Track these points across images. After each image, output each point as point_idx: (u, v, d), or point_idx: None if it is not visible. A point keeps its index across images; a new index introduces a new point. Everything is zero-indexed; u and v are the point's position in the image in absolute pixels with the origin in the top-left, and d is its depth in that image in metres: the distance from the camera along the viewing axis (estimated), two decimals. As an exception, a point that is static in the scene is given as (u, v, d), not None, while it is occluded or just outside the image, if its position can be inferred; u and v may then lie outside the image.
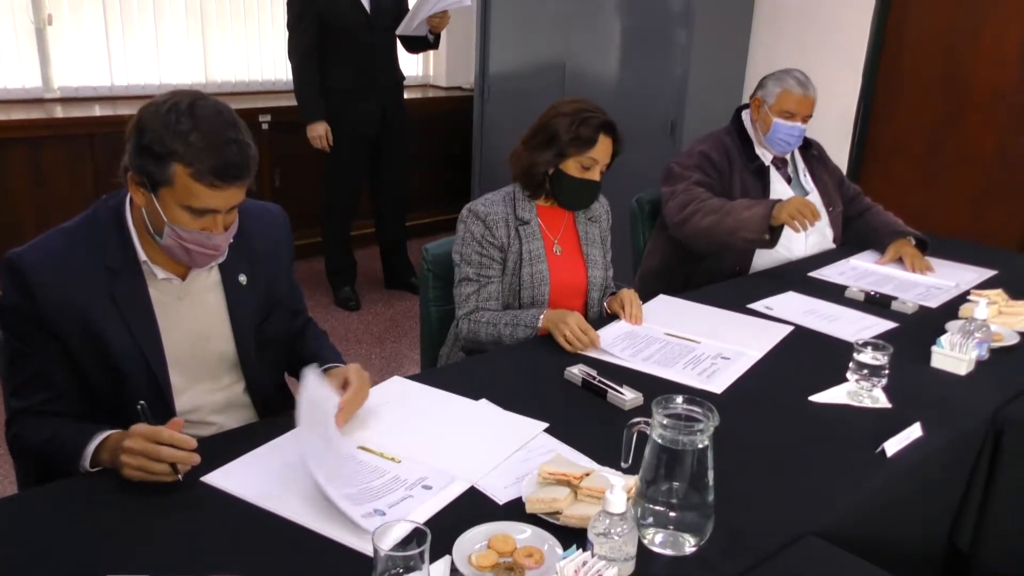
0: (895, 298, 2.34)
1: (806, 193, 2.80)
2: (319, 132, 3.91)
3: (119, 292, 1.49)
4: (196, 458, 1.34)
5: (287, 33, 3.90)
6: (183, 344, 1.57)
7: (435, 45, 4.14)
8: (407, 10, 4.00)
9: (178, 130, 1.37)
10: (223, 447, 1.43)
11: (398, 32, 3.99)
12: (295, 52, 3.86)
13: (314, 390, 1.46)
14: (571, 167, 2.11)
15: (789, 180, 2.79)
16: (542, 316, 2.02)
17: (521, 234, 2.14)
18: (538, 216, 2.19)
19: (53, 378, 1.48)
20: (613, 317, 2.17)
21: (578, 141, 2.08)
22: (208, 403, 1.63)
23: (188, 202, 1.41)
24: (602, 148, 2.11)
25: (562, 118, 2.10)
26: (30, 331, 1.46)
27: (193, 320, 1.58)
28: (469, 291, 2.12)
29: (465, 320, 2.11)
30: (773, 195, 2.71)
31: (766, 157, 2.75)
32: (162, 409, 1.55)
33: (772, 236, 2.46)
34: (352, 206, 4.21)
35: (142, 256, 1.51)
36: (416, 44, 4.13)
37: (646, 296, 2.33)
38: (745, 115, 2.78)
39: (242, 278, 1.63)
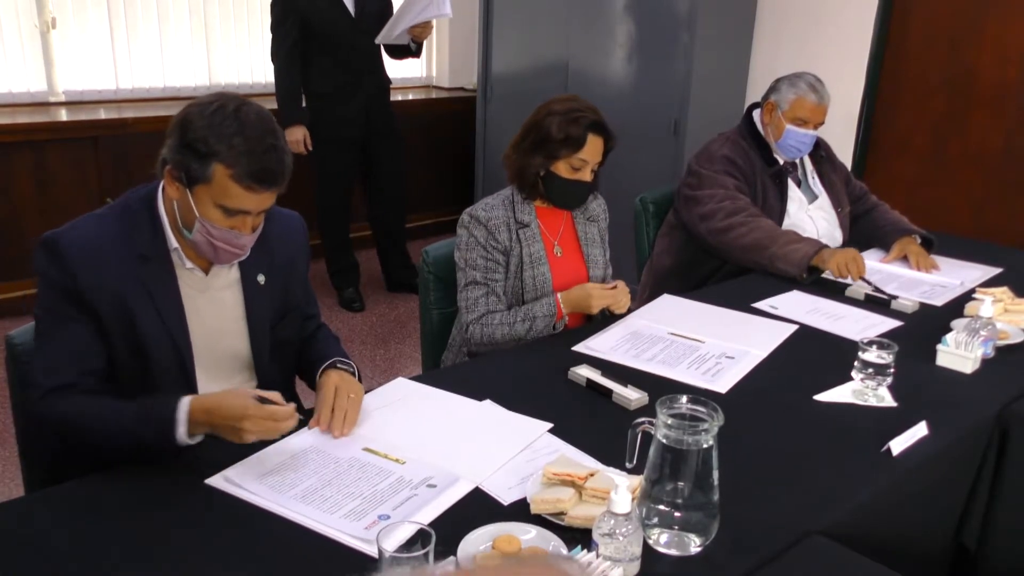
0: (896, 297, 2.34)
1: (815, 197, 2.79)
2: (297, 137, 3.88)
3: (149, 278, 1.52)
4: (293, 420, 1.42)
5: (270, 35, 3.90)
6: (200, 338, 1.60)
7: (417, 53, 4.12)
8: (392, 13, 3.98)
9: (223, 132, 1.42)
10: (228, 448, 1.43)
11: (378, 40, 3.94)
12: (277, 55, 3.85)
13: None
14: (561, 168, 2.09)
15: (799, 183, 2.79)
16: (558, 301, 2.04)
17: (521, 237, 2.13)
18: (537, 218, 2.18)
19: (91, 354, 1.50)
20: (614, 316, 2.15)
21: (568, 142, 2.06)
22: None
23: (223, 201, 1.45)
24: (592, 148, 2.08)
25: (551, 118, 2.07)
26: (69, 307, 1.48)
27: (211, 315, 1.61)
28: (478, 295, 2.09)
29: (477, 325, 2.08)
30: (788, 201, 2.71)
31: (779, 161, 2.74)
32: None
33: (809, 274, 2.47)
34: (346, 208, 4.20)
35: (172, 244, 1.55)
36: (398, 51, 4.11)
37: (656, 296, 2.33)
38: (756, 115, 2.76)
39: (261, 278, 1.65)
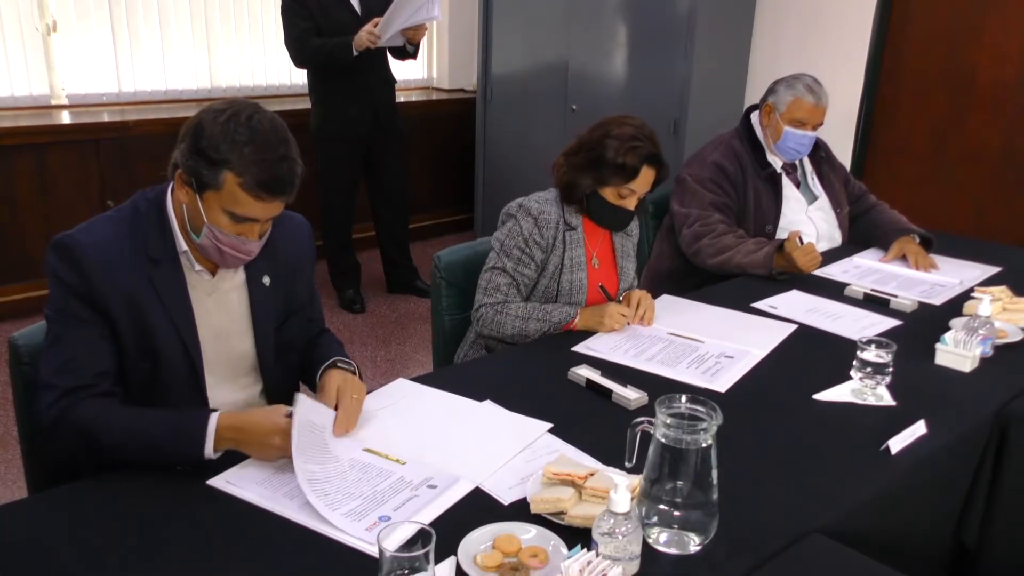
0: (894, 296, 2.34)
1: (815, 198, 2.80)
2: (363, 32, 3.75)
3: (160, 281, 1.53)
4: None
5: (283, 31, 3.90)
6: (208, 340, 1.60)
7: (414, 55, 4.12)
8: None
9: (235, 140, 1.42)
10: (229, 449, 1.44)
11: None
12: (291, 44, 3.84)
13: (306, 413, 1.47)
14: (608, 194, 2.09)
15: (798, 184, 2.79)
16: (578, 316, 2.05)
17: (567, 239, 2.13)
18: (582, 225, 2.18)
19: (104, 356, 1.50)
20: None
21: (621, 171, 2.04)
22: (228, 402, 1.65)
23: (231, 208, 1.46)
24: (643, 180, 2.07)
25: (611, 141, 2.04)
26: (82, 308, 1.48)
27: (218, 317, 1.62)
28: (501, 281, 2.08)
29: (491, 308, 2.06)
30: (784, 201, 2.72)
31: (776, 163, 2.74)
32: (199, 400, 1.60)
33: (780, 273, 2.50)
34: (351, 209, 4.20)
35: (182, 247, 1.55)
36: (397, 52, 4.11)
37: (655, 298, 2.34)
38: (754, 117, 2.77)
39: (266, 280, 1.66)
